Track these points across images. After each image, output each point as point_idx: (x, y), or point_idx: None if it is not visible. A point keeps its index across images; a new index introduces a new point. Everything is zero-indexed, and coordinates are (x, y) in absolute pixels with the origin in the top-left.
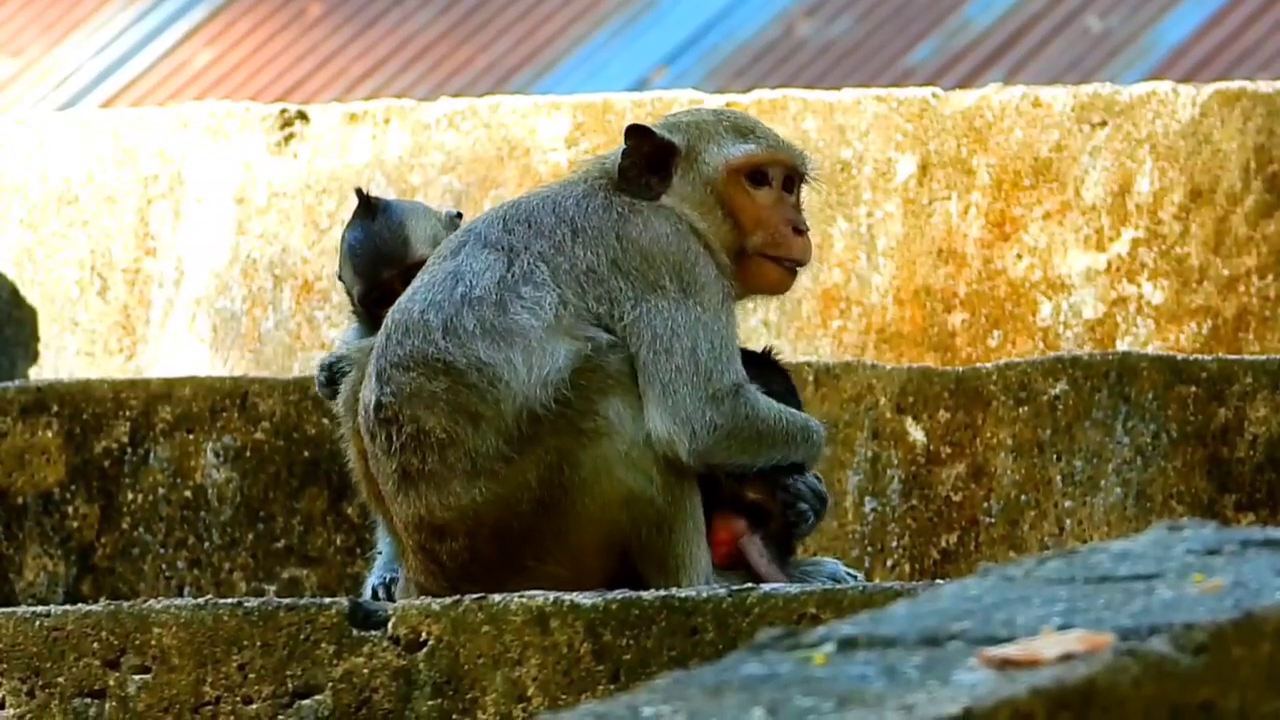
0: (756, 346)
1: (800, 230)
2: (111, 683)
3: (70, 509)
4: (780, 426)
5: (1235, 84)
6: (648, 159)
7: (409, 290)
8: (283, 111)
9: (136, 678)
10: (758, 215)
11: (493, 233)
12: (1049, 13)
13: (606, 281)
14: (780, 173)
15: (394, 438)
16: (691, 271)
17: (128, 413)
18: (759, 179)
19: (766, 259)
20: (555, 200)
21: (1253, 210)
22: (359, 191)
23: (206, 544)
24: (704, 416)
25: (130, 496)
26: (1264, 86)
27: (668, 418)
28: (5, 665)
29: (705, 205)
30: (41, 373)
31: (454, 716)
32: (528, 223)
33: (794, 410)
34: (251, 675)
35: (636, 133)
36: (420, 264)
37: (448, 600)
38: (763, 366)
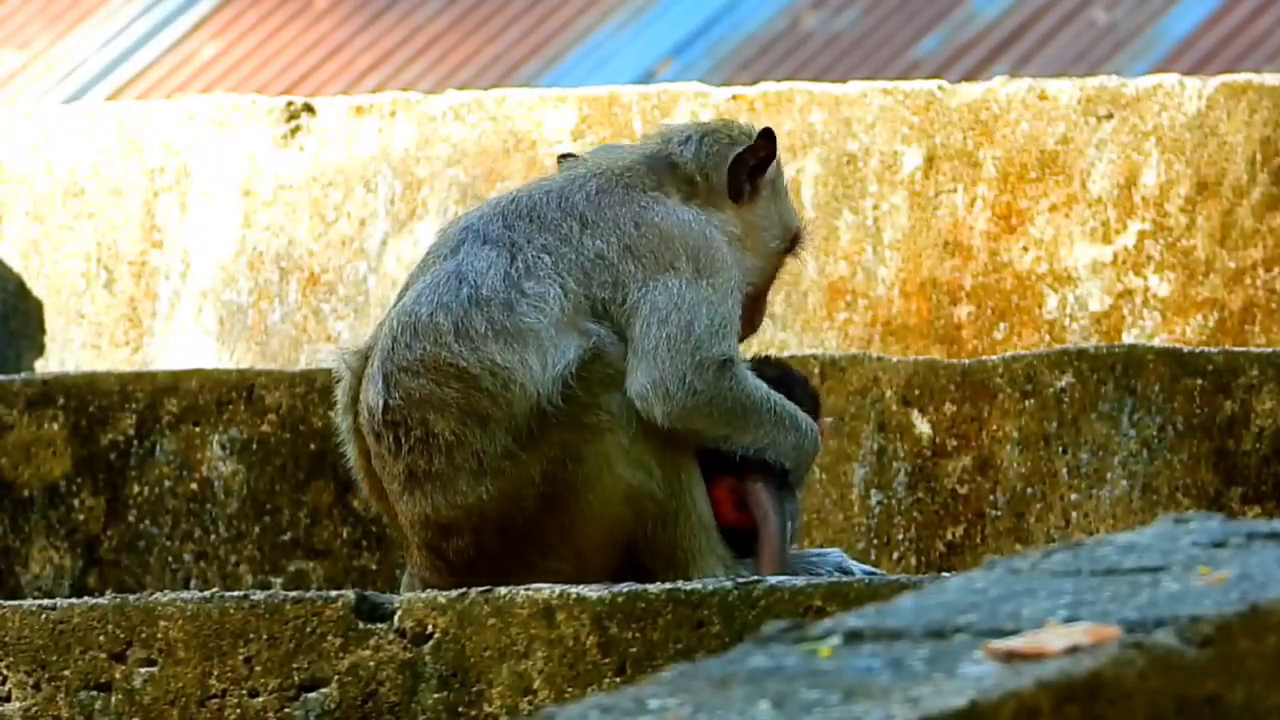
0: (760, 340)
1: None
2: (118, 675)
3: (76, 502)
4: (767, 406)
5: (1242, 76)
6: (758, 164)
7: (412, 292)
8: (289, 104)
9: (142, 670)
10: (771, 284)
11: (492, 229)
12: (1055, 5)
13: (615, 267)
14: None
15: (402, 440)
16: (709, 255)
17: (134, 405)
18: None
19: (759, 314)
20: (561, 194)
21: (1259, 203)
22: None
23: (213, 536)
24: (684, 380)
25: (136, 489)
26: (1270, 79)
27: (645, 379)
28: (12, 658)
29: (765, 245)
30: (47, 365)
31: (460, 709)
32: (529, 217)
33: (786, 399)
34: (258, 668)
35: (771, 135)
36: None
37: (454, 593)
38: (783, 377)
